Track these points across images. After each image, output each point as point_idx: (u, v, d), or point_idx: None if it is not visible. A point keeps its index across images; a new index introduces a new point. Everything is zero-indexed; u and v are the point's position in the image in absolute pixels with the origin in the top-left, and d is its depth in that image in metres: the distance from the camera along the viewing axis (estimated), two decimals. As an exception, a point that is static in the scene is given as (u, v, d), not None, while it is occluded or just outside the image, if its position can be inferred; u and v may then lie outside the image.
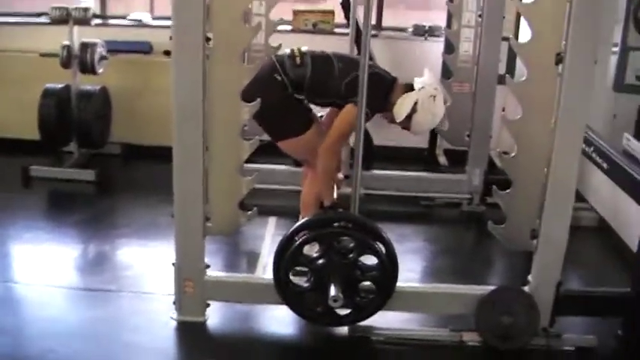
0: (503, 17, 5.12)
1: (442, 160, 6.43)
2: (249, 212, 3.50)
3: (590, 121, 3.94)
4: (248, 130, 3.51)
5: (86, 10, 5.79)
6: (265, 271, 4.25)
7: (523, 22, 3.40)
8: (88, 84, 5.94)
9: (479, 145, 5.32)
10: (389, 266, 3.42)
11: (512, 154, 3.42)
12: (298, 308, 3.54)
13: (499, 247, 3.77)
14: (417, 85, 4.09)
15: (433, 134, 6.25)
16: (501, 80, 4.89)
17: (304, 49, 4.14)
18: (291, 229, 3.48)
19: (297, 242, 3.42)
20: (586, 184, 5.23)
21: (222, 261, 4.44)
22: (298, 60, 4.05)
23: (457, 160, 5.78)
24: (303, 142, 4.11)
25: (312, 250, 3.50)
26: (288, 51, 4.13)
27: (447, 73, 5.48)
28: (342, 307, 3.43)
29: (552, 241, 3.45)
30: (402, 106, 4.08)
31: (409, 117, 4.10)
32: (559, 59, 3.22)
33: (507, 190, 3.45)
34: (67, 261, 4.45)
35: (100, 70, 5.85)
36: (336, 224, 3.48)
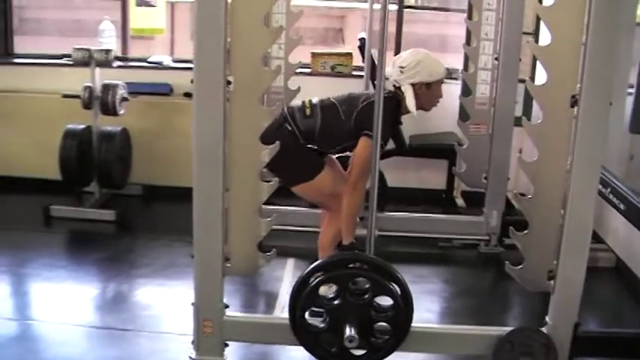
0: (520, 60, 5.15)
1: (460, 201, 6.45)
2: (269, 254, 3.52)
3: (606, 163, 3.97)
4: (267, 171, 3.56)
5: (108, 52, 5.87)
6: (283, 311, 4.26)
7: (539, 64, 3.43)
8: (109, 125, 6.02)
9: (496, 186, 5.32)
10: (404, 307, 3.42)
11: (529, 196, 3.44)
12: (314, 349, 3.53)
13: (516, 288, 3.76)
14: (388, 75, 4.08)
15: (450, 176, 6.27)
16: (518, 122, 4.92)
17: (315, 100, 4.22)
18: (306, 270, 3.50)
19: (313, 283, 3.43)
20: (603, 225, 5.23)
21: (240, 301, 4.46)
22: (308, 111, 4.14)
23: (475, 202, 5.78)
24: (315, 186, 4.16)
25: (328, 290, 3.52)
26: (299, 103, 4.22)
27: (464, 115, 5.51)
28: (357, 347, 3.44)
29: (569, 282, 3.45)
30: (409, 102, 4.10)
31: (420, 97, 4.14)
32: (574, 102, 3.24)
33: (525, 232, 3.46)
34: (86, 300, 4.48)
35: (121, 112, 5.92)
36: (351, 265, 3.49)
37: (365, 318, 3.42)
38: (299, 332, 3.49)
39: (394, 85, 4.17)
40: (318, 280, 3.43)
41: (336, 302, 3.42)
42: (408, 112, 4.15)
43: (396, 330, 3.46)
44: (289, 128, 4.09)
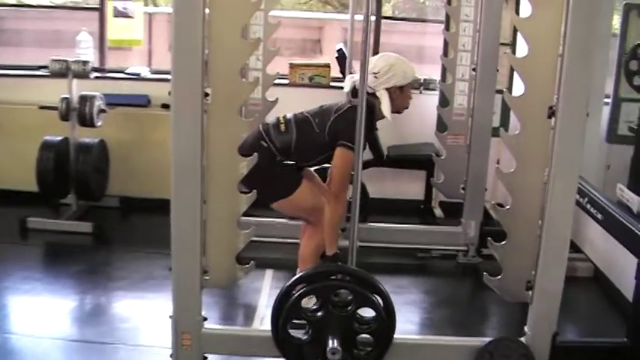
0: (497, 70, 5.18)
1: (438, 212, 6.47)
2: (247, 266, 3.51)
3: (583, 173, 3.98)
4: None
5: (85, 63, 5.84)
6: (262, 323, 4.26)
7: (516, 75, 3.46)
8: (86, 137, 5.99)
9: (474, 197, 5.34)
10: (386, 319, 3.42)
11: (507, 207, 3.45)
12: None
13: (495, 298, 3.76)
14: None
15: (429, 187, 6.29)
16: (496, 133, 4.94)
17: (289, 115, 4.23)
18: (289, 282, 3.49)
19: (296, 295, 3.42)
20: (581, 235, 5.26)
21: (219, 314, 4.45)
22: (283, 127, 4.15)
23: (453, 212, 5.80)
24: (295, 202, 4.16)
25: (308, 302, 3.51)
26: (274, 119, 4.24)
27: (441, 126, 5.53)
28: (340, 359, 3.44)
29: (548, 292, 3.46)
30: (384, 107, 4.10)
31: (395, 100, 4.15)
32: (551, 112, 3.26)
33: (503, 242, 3.47)
34: (63, 313, 4.45)
35: (99, 123, 5.90)
36: (333, 277, 3.48)
37: (348, 330, 3.42)
38: (281, 344, 3.48)
39: (367, 92, 4.15)
40: (300, 291, 3.42)
41: (319, 314, 3.41)
42: (382, 117, 4.17)
43: (379, 342, 3.46)
44: (265, 145, 4.09)
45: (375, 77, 4.08)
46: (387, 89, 4.11)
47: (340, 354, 3.35)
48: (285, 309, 3.42)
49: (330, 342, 3.36)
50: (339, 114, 4.08)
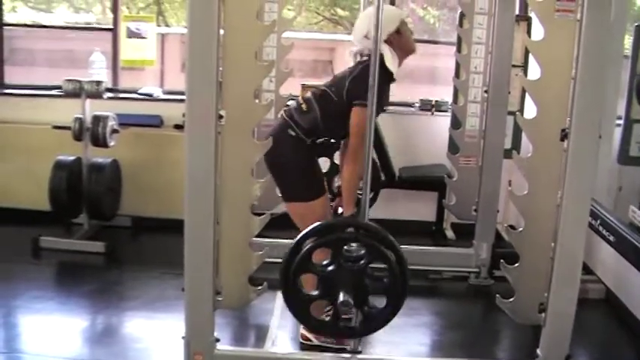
0: (509, 92, 5.19)
1: (450, 233, 6.46)
2: (260, 287, 3.51)
3: (595, 194, 3.99)
4: (259, 205, 3.56)
5: (99, 83, 5.89)
6: (274, 344, 4.26)
7: (528, 97, 3.47)
8: (99, 156, 6.02)
9: (486, 218, 5.33)
10: (399, 274, 3.34)
11: (520, 229, 3.46)
12: (306, 318, 3.45)
13: (507, 321, 3.75)
14: (361, 47, 4.09)
15: (440, 208, 6.29)
16: (507, 154, 4.95)
17: (308, 94, 4.19)
18: (300, 235, 3.40)
19: (307, 247, 3.33)
20: (593, 257, 5.24)
21: (231, 335, 4.44)
22: (305, 107, 4.09)
23: (464, 234, 5.80)
24: (310, 209, 4.09)
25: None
26: (294, 103, 4.21)
27: (453, 147, 5.53)
28: (350, 317, 3.40)
29: (560, 315, 3.46)
30: (387, 61, 4.00)
31: (399, 46, 4.09)
32: (564, 135, 3.27)
33: (515, 265, 3.47)
34: (75, 332, 4.44)
35: (112, 143, 5.93)
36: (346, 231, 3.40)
37: (359, 286, 3.32)
38: (291, 300, 3.40)
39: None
40: (312, 244, 3.34)
41: (329, 269, 3.32)
42: (393, 77, 4.11)
43: (391, 299, 3.37)
44: (293, 134, 4.04)
45: (369, 39, 3.86)
46: (386, 41, 4.01)
47: (351, 306, 3.28)
48: (295, 262, 3.33)
49: (342, 295, 3.28)
50: (353, 76, 4.02)
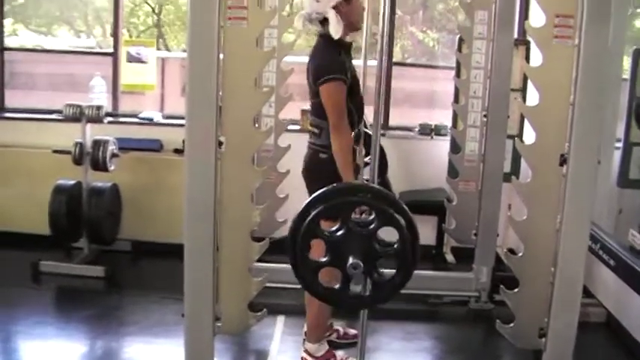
0: (508, 117, 5.20)
1: (449, 257, 6.45)
2: (259, 313, 3.51)
3: (595, 218, 3.99)
4: (258, 230, 3.56)
5: (99, 108, 5.91)
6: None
7: (527, 121, 3.48)
8: (99, 181, 6.03)
9: (485, 242, 5.32)
10: (410, 240, 3.14)
11: (520, 254, 3.46)
12: (314, 286, 3.23)
13: (508, 346, 3.74)
14: (310, 10, 4.05)
15: (440, 232, 6.29)
16: (507, 178, 4.95)
17: (309, 117, 4.21)
18: (307, 201, 3.16)
19: (314, 213, 3.11)
20: (594, 280, 5.24)
21: (231, 360, 4.45)
22: (316, 130, 4.12)
23: (464, 258, 5.79)
24: None
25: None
26: (309, 134, 4.23)
27: (453, 172, 5.54)
28: (359, 285, 3.21)
29: (561, 339, 3.46)
30: (332, 28, 3.96)
31: (346, 16, 4.01)
32: (563, 160, 3.28)
33: (515, 290, 3.47)
34: (74, 358, 4.44)
35: (112, 168, 5.94)
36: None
37: (369, 252, 3.14)
38: (298, 269, 3.20)
39: (318, 20, 4.05)
40: (319, 209, 3.14)
41: (338, 234, 3.13)
42: (346, 43, 4.10)
43: (402, 266, 3.19)
44: (325, 156, 4.04)
45: (318, 1, 3.96)
46: (334, 7, 3.97)
47: (361, 269, 3.08)
48: (302, 228, 3.13)
49: (350, 259, 3.09)
50: (309, 58, 4.06)
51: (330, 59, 3.91)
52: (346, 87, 3.91)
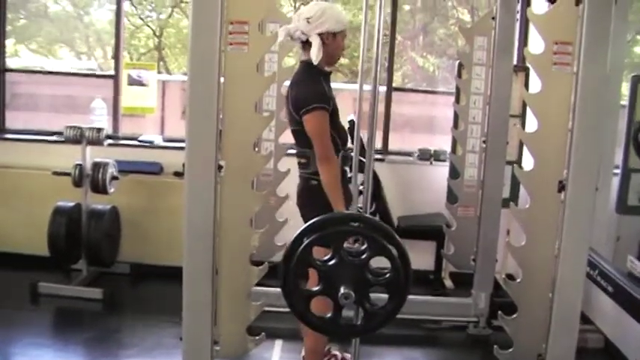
0: (507, 143, 5.21)
1: (448, 283, 6.45)
2: (258, 337, 3.51)
3: (593, 244, 4.00)
4: (257, 254, 3.57)
5: (100, 130, 5.92)
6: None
7: (526, 148, 3.50)
8: (98, 203, 6.04)
9: (484, 268, 5.31)
10: (402, 269, 3.17)
11: (518, 280, 3.47)
12: (306, 315, 3.22)
13: (506, 372, 3.75)
14: (296, 29, 4.06)
15: (439, 258, 6.29)
16: (506, 204, 4.96)
17: (294, 150, 4.22)
18: (298, 231, 3.16)
19: (307, 242, 3.12)
20: (591, 306, 5.24)
21: (228, 384, 4.42)
22: (301, 160, 4.12)
23: (463, 284, 5.79)
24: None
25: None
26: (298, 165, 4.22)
27: (452, 197, 5.55)
28: (352, 308, 3.26)
29: (559, 365, 3.46)
30: (313, 53, 3.99)
31: (327, 47, 4.05)
32: (561, 187, 3.30)
33: (513, 315, 3.48)
34: (72, 381, 4.44)
35: (111, 190, 5.95)
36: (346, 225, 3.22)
37: (361, 281, 3.14)
38: (291, 297, 3.19)
39: (301, 41, 4.09)
40: (312, 238, 3.14)
41: (330, 264, 3.13)
42: (324, 70, 4.11)
43: (394, 295, 3.21)
44: (315, 182, 4.02)
45: (308, 22, 3.99)
46: (320, 34, 4.01)
47: (352, 299, 3.08)
48: (295, 257, 3.12)
49: (342, 288, 3.10)
50: (292, 85, 4.08)
51: (313, 88, 3.91)
52: (328, 115, 3.93)
